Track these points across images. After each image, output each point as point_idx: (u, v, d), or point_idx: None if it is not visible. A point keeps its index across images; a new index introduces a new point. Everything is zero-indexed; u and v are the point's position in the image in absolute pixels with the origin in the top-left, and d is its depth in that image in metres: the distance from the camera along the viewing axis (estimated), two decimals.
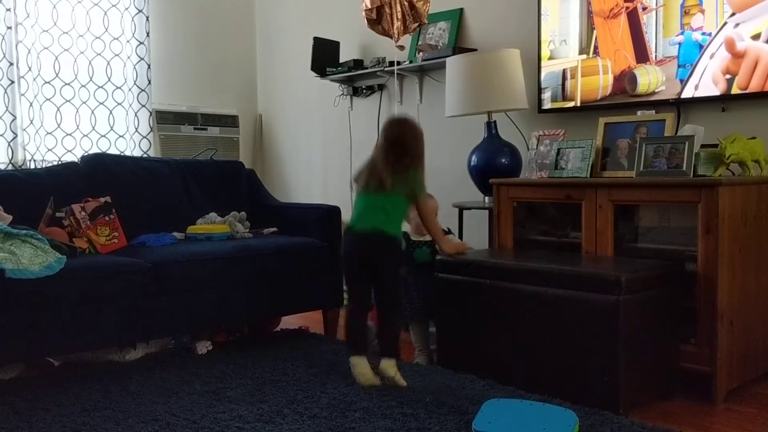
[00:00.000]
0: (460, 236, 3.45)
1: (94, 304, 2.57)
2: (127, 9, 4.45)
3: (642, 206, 2.74)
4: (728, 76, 2.82)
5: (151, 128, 4.52)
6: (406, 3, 3.49)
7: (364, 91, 4.42)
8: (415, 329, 2.90)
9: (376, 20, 3.55)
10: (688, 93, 2.94)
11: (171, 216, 3.35)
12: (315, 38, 4.38)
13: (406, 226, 2.78)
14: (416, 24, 3.57)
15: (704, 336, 2.40)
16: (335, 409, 2.26)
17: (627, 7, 3.11)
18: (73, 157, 4.18)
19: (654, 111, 2.95)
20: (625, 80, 3.14)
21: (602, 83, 3.21)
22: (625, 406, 2.24)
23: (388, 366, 2.47)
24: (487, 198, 3.38)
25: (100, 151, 4.25)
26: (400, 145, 2.53)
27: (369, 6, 3.52)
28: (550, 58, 3.39)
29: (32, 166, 4.07)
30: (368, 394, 2.38)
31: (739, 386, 2.50)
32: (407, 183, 2.52)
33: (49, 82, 4.20)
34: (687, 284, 2.47)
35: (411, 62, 3.96)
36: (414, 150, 2.55)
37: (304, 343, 3.08)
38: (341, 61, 4.39)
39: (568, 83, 3.33)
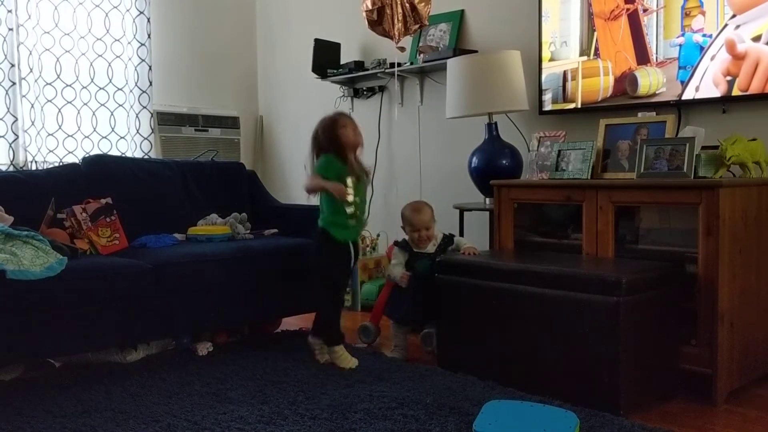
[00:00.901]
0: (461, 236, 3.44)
1: (94, 305, 2.57)
2: (128, 11, 4.45)
3: (643, 208, 2.74)
4: (729, 78, 2.82)
5: (152, 130, 4.53)
6: (407, 4, 3.49)
7: (365, 92, 4.42)
8: (398, 330, 2.98)
9: (377, 21, 3.55)
10: (688, 95, 2.94)
11: (172, 217, 3.36)
12: (316, 40, 4.38)
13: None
14: (417, 25, 3.56)
15: (705, 337, 2.40)
16: (336, 410, 2.26)
17: (628, 9, 3.11)
18: (74, 159, 4.19)
19: (655, 112, 2.95)
20: (625, 82, 3.14)
21: (603, 85, 3.21)
22: (625, 408, 2.24)
23: (312, 342, 2.89)
24: (487, 199, 3.38)
25: (101, 153, 4.25)
26: (313, 146, 2.86)
27: (370, 7, 3.52)
28: (551, 59, 3.39)
29: (33, 168, 4.07)
30: (368, 395, 2.38)
31: (740, 387, 2.49)
32: None
33: (50, 84, 4.20)
34: (687, 285, 2.46)
35: (412, 64, 3.96)
36: (320, 143, 2.84)
37: (304, 344, 3.08)
38: (342, 62, 4.39)
39: (569, 85, 3.33)
